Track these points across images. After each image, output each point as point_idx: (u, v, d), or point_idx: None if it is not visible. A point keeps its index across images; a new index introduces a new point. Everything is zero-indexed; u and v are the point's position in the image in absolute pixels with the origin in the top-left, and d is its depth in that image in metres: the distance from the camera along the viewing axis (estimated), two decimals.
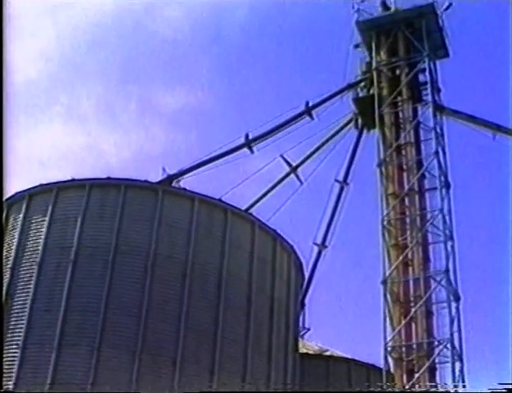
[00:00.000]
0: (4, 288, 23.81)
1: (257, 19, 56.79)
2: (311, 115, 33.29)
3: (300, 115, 33.19)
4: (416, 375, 26.25)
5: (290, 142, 33.16)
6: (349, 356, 32.00)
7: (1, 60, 16.05)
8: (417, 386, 25.98)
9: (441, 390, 25.77)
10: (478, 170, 43.02)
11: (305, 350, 30.74)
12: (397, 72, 32.77)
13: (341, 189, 34.08)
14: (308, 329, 32.26)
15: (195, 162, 31.23)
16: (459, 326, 27.25)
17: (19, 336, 23.10)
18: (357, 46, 33.56)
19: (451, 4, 32.79)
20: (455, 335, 26.96)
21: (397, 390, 25.81)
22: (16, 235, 25.39)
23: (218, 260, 25.73)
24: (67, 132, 59.19)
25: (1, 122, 15.27)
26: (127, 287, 24.20)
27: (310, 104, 33.19)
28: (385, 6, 33.17)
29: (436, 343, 27.28)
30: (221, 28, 56.83)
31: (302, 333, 31.42)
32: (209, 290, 25.15)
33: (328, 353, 32.07)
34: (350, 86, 33.39)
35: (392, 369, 26.84)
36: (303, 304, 31.78)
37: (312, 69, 50.43)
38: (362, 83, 33.43)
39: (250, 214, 29.36)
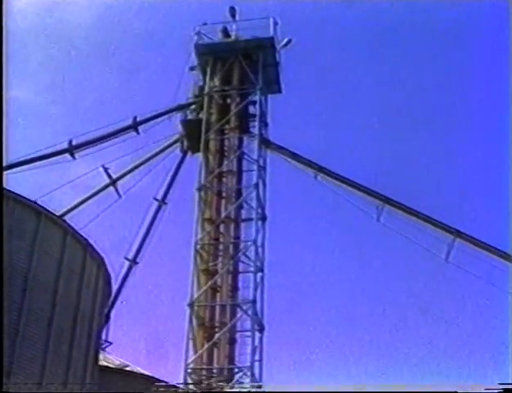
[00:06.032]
0: None
1: (97, 20, 55.33)
2: (137, 130, 33.13)
3: (126, 128, 32.98)
4: None
5: (115, 154, 32.84)
6: (149, 374, 31.73)
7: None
8: None
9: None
10: (298, 207, 44.09)
11: (105, 364, 30.24)
12: (229, 101, 33.08)
13: (159, 208, 33.93)
14: (111, 343, 31.76)
15: (14, 161, 30.29)
16: (260, 355, 27.69)
17: None
18: (192, 68, 33.62)
19: (290, 40, 33.54)
20: (256, 364, 27.42)
21: None
22: None
23: (26, 264, 24.82)
24: None
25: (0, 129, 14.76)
26: None
27: (138, 119, 33.03)
28: (226, 33, 33.43)
29: (236, 370, 27.59)
30: (62, 25, 54.86)
31: (104, 346, 30.91)
32: (14, 293, 24.16)
33: (128, 368, 31.69)
34: (181, 107, 33.41)
35: (191, 391, 26.83)
36: (107, 318, 31.25)
37: (150, 85, 49.80)
38: (193, 106, 33.52)
39: (64, 220, 28.58)
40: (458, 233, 30.58)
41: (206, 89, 33.11)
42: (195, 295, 28.65)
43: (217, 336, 28.16)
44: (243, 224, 30.85)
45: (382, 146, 51.49)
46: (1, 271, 22.50)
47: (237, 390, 26.24)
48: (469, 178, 52.51)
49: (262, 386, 26.10)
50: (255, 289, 28.72)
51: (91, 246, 27.73)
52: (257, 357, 27.52)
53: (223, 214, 30.73)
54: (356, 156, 48.87)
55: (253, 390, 25.86)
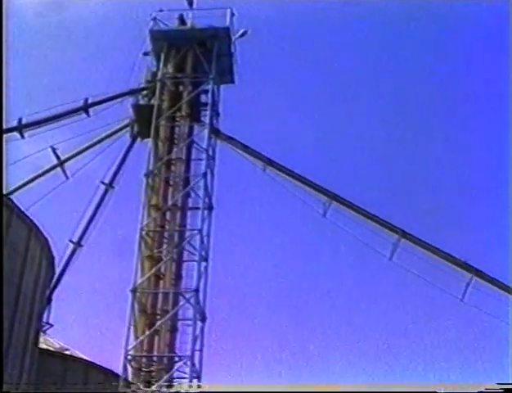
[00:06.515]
0: None
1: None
2: (87, 113, 32.92)
3: (77, 110, 32.76)
4: (153, 387, 26.42)
5: (64, 134, 32.57)
6: (89, 358, 31.65)
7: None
8: None
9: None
10: (246, 199, 44.21)
11: (46, 347, 30.09)
12: (181, 88, 32.97)
13: (106, 191, 33.76)
14: (52, 325, 31.63)
15: None
16: (201, 345, 27.80)
17: None
18: (146, 53, 33.43)
19: (246, 32, 33.56)
20: (197, 353, 27.53)
21: None
22: None
23: None
24: None
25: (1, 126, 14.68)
26: None
27: (89, 101, 32.84)
28: (182, 21, 33.28)
29: (176, 358, 27.65)
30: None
31: (45, 329, 30.76)
32: None
33: (68, 352, 31.56)
34: (133, 92, 33.23)
35: (130, 378, 26.83)
36: (49, 300, 31.08)
37: (107, 68, 49.26)
38: (145, 92, 33.34)
39: (10, 199, 28.31)
40: (403, 233, 30.99)
41: (159, 75, 32.91)
42: (139, 282, 28.59)
43: (158, 323, 28.15)
44: (189, 213, 30.79)
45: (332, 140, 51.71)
46: (1, 271, 22.34)
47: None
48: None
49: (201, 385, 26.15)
50: (199, 278, 28.78)
51: (36, 226, 27.52)
52: (197, 347, 27.64)
53: (170, 202, 30.63)
54: (306, 150, 48.97)
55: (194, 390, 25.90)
